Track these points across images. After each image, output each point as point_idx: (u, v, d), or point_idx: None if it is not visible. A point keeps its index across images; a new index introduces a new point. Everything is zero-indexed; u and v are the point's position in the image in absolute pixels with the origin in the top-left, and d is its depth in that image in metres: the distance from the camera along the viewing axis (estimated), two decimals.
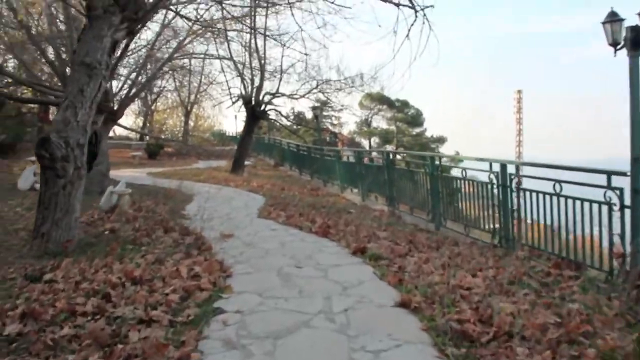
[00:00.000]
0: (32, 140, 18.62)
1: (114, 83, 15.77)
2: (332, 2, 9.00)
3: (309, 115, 39.50)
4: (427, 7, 6.80)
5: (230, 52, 19.39)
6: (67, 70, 12.45)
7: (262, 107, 19.68)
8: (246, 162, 20.81)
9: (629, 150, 5.01)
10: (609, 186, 4.93)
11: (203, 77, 29.15)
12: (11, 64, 18.40)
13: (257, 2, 15.03)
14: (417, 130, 49.97)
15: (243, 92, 19.87)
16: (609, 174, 4.96)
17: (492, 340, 3.30)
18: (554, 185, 5.58)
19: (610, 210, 4.95)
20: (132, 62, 18.08)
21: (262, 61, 19.03)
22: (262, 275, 5.09)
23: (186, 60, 22.30)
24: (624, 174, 4.92)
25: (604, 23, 5.30)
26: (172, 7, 11.38)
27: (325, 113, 37.98)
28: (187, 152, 31.02)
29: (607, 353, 3.05)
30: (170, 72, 23.46)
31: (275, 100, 20.40)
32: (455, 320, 3.55)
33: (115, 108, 13.12)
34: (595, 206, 5.13)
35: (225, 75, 36.01)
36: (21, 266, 5.10)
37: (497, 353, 3.11)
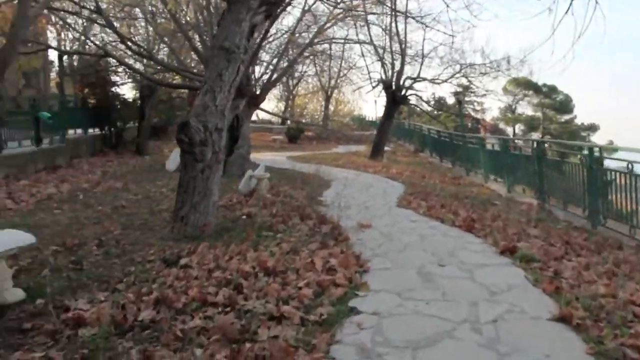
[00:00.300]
0: None
1: (257, 68, 16.30)
2: None
3: (451, 100, 38.53)
4: None
5: (370, 36, 19.45)
6: None
7: (403, 92, 19.55)
8: (385, 148, 20.81)
9: None
10: None
11: (343, 61, 29.59)
12: (162, 53, 19.97)
13: None
14: (566, 117, 47.01)
15: (383, 77, 19.83)
16: None
17: None
18: None
19: None
20: (274, 48, 18.57)
21: (403, 45, 18.92)
22: (401, 272, 4.76)
23: (326, 45, 22.53)
24: None
25: None
26: None
27: (467, 98, 36.72)
28: (327, 137, 31.59)
29: None
30: (311, 57, 23.92)
31: (416, 85, 20.38)
32: (630, 346, 3.00)
33: (257, 93, 13.46)
34: None
35: (365, 60, 36.35)
36: (161, 249, 5.21)
37: None
